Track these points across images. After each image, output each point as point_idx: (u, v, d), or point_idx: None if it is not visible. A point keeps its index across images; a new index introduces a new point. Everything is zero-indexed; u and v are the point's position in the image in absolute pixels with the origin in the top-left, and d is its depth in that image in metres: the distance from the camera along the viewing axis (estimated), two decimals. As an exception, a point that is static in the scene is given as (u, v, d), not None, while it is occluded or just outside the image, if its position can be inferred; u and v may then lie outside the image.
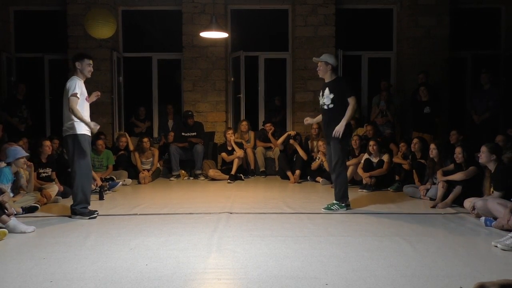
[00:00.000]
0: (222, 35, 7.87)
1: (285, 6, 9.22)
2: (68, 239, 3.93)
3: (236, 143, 7.94)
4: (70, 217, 4.75)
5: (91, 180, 4.94)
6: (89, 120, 4.79)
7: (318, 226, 4.33)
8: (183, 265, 3.19)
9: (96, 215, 4.75)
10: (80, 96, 4.65)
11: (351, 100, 4.97)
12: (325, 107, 5.13)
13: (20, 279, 2.94)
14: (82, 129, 4.69)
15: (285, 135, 8.12)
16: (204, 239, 3.87)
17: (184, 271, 3.07)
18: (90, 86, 8.74)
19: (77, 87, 4.63)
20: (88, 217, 4.68)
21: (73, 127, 4.66)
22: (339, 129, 4.91)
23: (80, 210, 4.72)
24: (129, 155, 7.78)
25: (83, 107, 4.72)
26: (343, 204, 5.08)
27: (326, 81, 5.21)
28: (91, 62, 4.84)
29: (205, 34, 7.79)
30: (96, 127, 4.79)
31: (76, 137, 4.67)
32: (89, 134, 4.82)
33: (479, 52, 9.16)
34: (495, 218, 4.22)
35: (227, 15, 9.15)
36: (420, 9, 8.76)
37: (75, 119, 4.64)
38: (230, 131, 8.03)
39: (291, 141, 7.84)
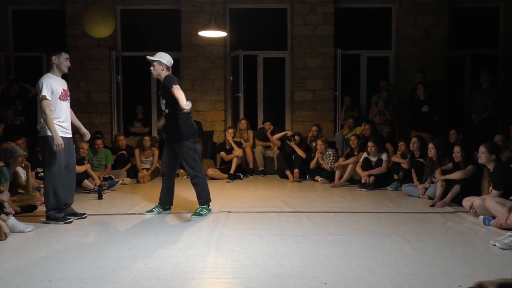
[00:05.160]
0: (221, 34, 7.86)
1: (284, 5, 9.22)
2: (67, 239, 3.93)
3: (235, 142, 7.94)
4: (44, 222, 4.48)
5: (64, 184, 4.54)
6: (67, 126, 4.55)
7: (317, 225, 4.33)
8: (182, 264, 3.19)
9: (71, 220, 4.52)
10: (51, 97, 4.37)
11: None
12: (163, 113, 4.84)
13: (19, 279, 2.93)
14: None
15: (283, 133, 8.14)
16: (203, 238, 3.87)
17: (183, 270, 3.07)
18: (88, 85, 8.71)
19: (45, 87, 4.34)
20: (63, 222, 4.44)
21: (44, 128, 4.42)
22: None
23: (53, 215, 4.46)
24: (128, 155, 7.78)
25: (56, 108, 4.43)
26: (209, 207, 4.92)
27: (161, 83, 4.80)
28: (68, 56, 4.58)
29: (203, 33, 7.78)
30: (58, 146, 4.34)
31: (47, 139, 4.41)
32: (66, 135, 4.52)
33: (478, 51, 9.17)
34: (494, 217, 4.23)
35: (226, 14, 9.14)
36: (419, 8, 8.78)
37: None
38: (230, 130, 8.03)
39: (287, 142, 7.84)
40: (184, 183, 7.37)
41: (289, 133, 8.09)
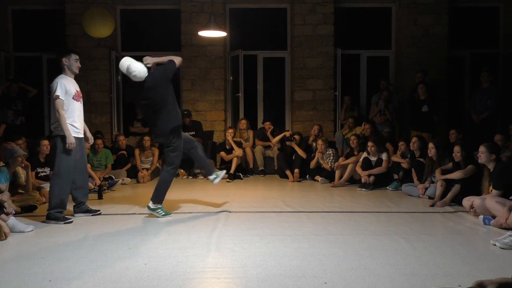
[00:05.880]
0: (220, 34, 7.86)
1: (284, 4, 9.21)
2: (67, 238, 3.93)
3: (235, 142, 7.94)
4: (44, 222, 4.51)
5: (69, 184, 4.63)
6: (79, 126, 4.61)
7: (317, 225, 4.33)
8: (182, 264, 3.19)
9: (71, 220, 4.57)
10: (65, 97, 4.47)
11: None
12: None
13: (19, 278, 2.93)
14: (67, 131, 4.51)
15: (281, 135, 8.06)
16: (203, 238, 3.87)
17: (183, 270, 3.07)
18: (88, 85, 8.73)
19: (59, 87, 4.44)
20: (63, 222, 4.46)
21: (57, 129, 4.50)
22: None
23: (54, 214, 4.49)
24: (128, 155, 7.79)
25: (69, 107, 4.51)
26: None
27: None
28: (77, 57, 4.67)
29: (203, 33, 7.78)
30: (71, 145, 4.45)
31: (60, 138, 4.50)
32: (78, 135, 4.60)
33: (478, 50, 9.17)
34: (494, 217, 4.23)
35: (226, 14, 9.14)
36: (419, 7, 8.77)
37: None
38: (231, 130, 8.02)
39: (287, 142, 7.80)
40: (184, 183, 7.39)
41: (287, 133, 8.03)
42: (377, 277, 2.90)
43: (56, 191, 4.54)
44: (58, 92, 4.44)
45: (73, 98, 4.56)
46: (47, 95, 9.16)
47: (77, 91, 4.64)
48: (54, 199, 4.54)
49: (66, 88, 4.50)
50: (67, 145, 4.45)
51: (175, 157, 4.79)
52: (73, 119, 4.56)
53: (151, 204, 4.73)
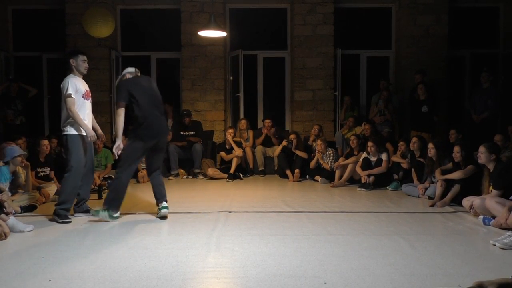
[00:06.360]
0: (220, 34, 7.86)
1: (284, 4, 9.22)
2: (67, 238, 3.94)
3: (235, 142, 7.94)
4: (50, 219, 4.59)
5: (79, 182, 4.67)
6: (88, 124, 4.66)
7: (317, 225, 4.33)
8: (182, 264, 3.19)
9: (70, 220, 4.54)
10: (75, 95, 4.55)
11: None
12: None
13: (18, 278, 2.93)
14: (76, 129, 4.59)
15: (280, 147, 7.89)
16: (203, 238, 3.87)
17: (183, 270, 3.07)
18: (88, 85, 8.74)
19: (70, 86, 4.52)
20: (61, 221, 4.49)
21: (66, 127, 4.58)
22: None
23: (59, 211, 4.53)
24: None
25: (79, 105, 4.59)
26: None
27: None
28: (85, 58, 4.75)
29: (203, 33, 7.78)
30: (93, 137, 4.62)
31: (68, 137, 4.58)
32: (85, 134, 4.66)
33: (477, 51, 9.18)
34: (494, 217, 4.23)
35: (226, 14, 9.15)
36: (419, 8, 8.78)
37: (70, 119, 4.55)
38: (231, 130, 8.02)
39: (298, 152, 7.71)
40: (184, 183, 7.40)
41: (285, 143, 7.84)
42: (377, 277, 2.90)
43: (66, 188, 4.61)
44: (70, 90, 4.52)
45: (82, 96, 4.64)
46: (47, 95, 9.19)
47: (86, 90, 4.72)
48: (63, 196, 4.60)
49: (77, 87, 4.59)
50: (88, 138, 4.59)
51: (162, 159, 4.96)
52: (83, 117, 4.62)
53: (165, 203, 4.73)
